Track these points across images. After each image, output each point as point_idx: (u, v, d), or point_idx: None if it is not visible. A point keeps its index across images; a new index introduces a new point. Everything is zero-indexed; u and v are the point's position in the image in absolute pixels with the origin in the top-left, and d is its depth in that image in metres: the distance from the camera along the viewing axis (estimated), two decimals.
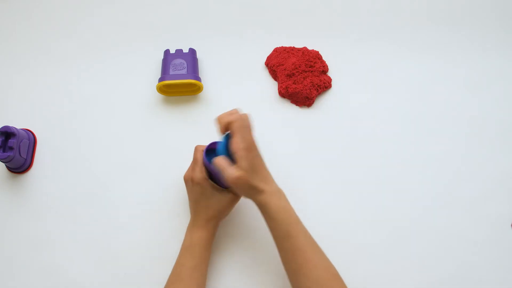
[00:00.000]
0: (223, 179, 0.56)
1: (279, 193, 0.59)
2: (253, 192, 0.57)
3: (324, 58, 0.78)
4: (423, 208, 0.69)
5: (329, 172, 0.71)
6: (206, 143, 0.71)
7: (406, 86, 0.76)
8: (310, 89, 0.74)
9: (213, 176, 0.63)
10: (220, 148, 0.57)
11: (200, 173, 0.61)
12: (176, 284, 0.60)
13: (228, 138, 0.57)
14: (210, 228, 0.62)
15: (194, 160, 0.63)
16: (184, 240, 0.63)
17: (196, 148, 0.64)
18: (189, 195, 0.64)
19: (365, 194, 0.70)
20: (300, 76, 0.74)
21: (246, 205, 0.69)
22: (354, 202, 0.69)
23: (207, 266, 0.62)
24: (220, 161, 0.56)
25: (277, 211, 0.56)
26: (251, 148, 0.56)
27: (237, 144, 0.54)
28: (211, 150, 0.63)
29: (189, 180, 0.62)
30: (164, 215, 0.70)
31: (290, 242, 0.56)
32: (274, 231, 0.57)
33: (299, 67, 0.75)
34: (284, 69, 0.76)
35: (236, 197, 0.62)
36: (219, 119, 0.57)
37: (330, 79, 0.77)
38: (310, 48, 0.79)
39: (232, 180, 0.54)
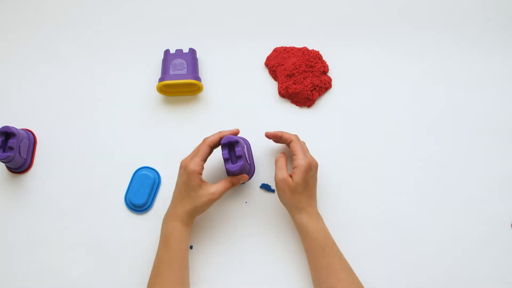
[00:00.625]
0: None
1: (319, 216, 0.63)
2: (295, 208, 0.61)
3: (324, 58, 0.78)
4: (423, 207, 0.69)
5: (330, 173, 0.71)
6: None
7: (406, 86, 0.76)
8: (311, 90, 0.74)
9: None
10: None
11: (194, 165, 0.61)
12: (156, 278, 0.60)
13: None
14: (185, 220, 0.61)
15: (196, 150, 0.63)
16: (160, 232, 0.63)
17: (204, 140, 0.63)
18: (177, 181, 0.64)
19: (365, 194, 0.70)
20: (300, 76, 0.74)
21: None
22: (354, 201, 0.69)
23: (186, 258, 0.62)
24: (281, 160, 0.62)
25: (315, 230, 0.60)
26: (311, 168, 0.61)
27: (298, 160, 0.60)
28: (228, 145, 0.62)
29: (182, 167, 0.62)
30: (164, 215, 0.68)
31: (325, 261, 0.59)
32: (309, 250, 0.61)
33: (299, 67, 0.75)
34: (284, 69, 0.75)
35: (213, 197, 0.61)
36: (284, 133, 0.64)
37: (331, 79, 0.77)
38: (310, 48, 0.79)
39: (278, 180, 0.60)
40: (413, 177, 0.71)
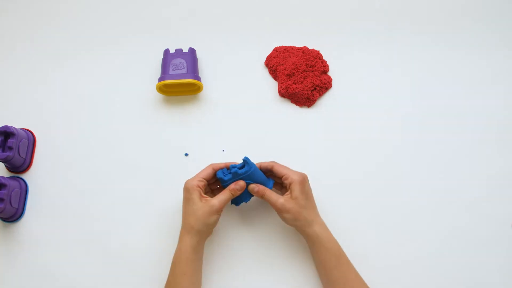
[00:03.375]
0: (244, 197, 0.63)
1: (325, 224, 0.62)
2: (305, 222, 0.60)
3: (324, 57, 0.78)
4: (424, 208, 0.68)
5: (330, 173, 0.70)
6: (206, 142, 0.73)
7: (408, 85, 0.76)
8: (311, 90, 0.74)
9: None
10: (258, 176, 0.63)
11: (193, 181, 0.61)
12: None
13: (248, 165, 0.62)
14: (194, 236, 0.60)
15: (199, 172, 0.64)
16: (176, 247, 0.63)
17: (210, 164, 0.64)
18: (182, 202, 0.64)
19: (365, 194, 0.69)
20: (301, 76, 0.74)
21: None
22: (355, 202, 0.69)
23: (197, 275, 0.61)
24: (262, 188, 0.62)
25: (328, 241, 0.60)
26: (305, 179, 0.61)
27: (291, 177, 0.61)
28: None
29: (184, 186, 0.63)
30: (164, 215, 0.69)
31: (340, 271, 0.59)
32: (324, 262, 0.60)
33: (299, 66, 0.74)
34: (284, 69, 0.75)
35: (213, 208, 0.60)
36: (261, 163, 0.64)
37: (331, 79, 0.77)
38: (310, 47, 0.78)
39: (279, 204, 0.60)
40: (415, 177, 0.70)
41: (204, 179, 0.62)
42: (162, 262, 0.65)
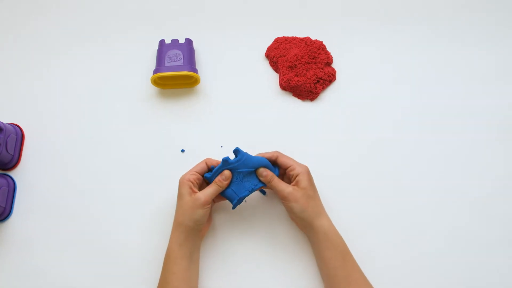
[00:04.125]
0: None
1: (330, 220, 0.62)
2: (314, 213, 0.59)
3: (328, 49, 0.77)
4: (432, 206, 0.67)
5: (333, 169, 0.69)
6: (203, 138, 0.72)
7: (415, 78, 0.75)
8: (314, 83, 0.72)
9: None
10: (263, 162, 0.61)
11: (185, 175, 0.61)
12: None
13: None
14: (181, 233, 0.59)
15: (195, 166, 0.63)
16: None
17: (204, 159, 0.63)
18: None
19: (370, 191, 0.68)
20: (303, 68, 0.73)
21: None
22: (358, 199, 0.68)
23: (189, 274, 0.59)
24: (270, 174, 0.61)
25: (336, 236, 0.60)
26: (309, 172, 0.61)
27: (297, 168, 0.60)
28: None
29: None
30: (158, 213, 0.68)
31: (345, 271, 0.58)
32: (329, 259, 0.59)
33: (302, 58, 0.73)
34: (286, 61, 0.74)
35: (198, 202, 0.58)
36: (264, 154, 0.63)
37: (335, 71, 0.75)
38: (313, 38, 0.77)
39: (286, 193, 0.59)
40: (421, 174, 0.69)
41: (197, 173, 0.61)
42: (157, 261, 0.64)
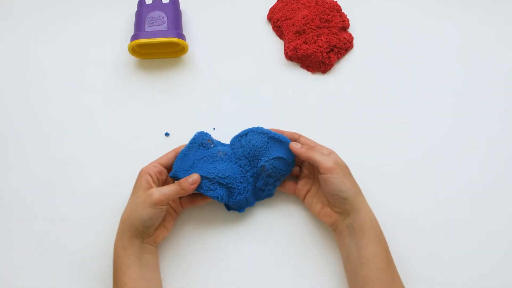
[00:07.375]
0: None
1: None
2: (354, 192, 0.54)
3: (344, 10, 0.72)
4: (468, 198, 0.62)
5: (351, 155, 0.62)
6: (191, 118, 0.68)
7: (448, 48, 0.70)
8: (327, 52, 0.68)
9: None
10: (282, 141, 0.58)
11: (146, 166, 0.57)
12: None
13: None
14: (124, 234, 0.54)
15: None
16: None
17: (174, 149, 0.59)
18: None
19: (392, 180, 0.63)
20: (313, 34, 0.68)
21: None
22: (382, 190, 0.62)
23: (143, 281, 0.54)
24: (304, 146, 0.58)
25: (380, 231, 0.54)
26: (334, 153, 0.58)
27: (323, 149, 0.57)
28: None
29: None
30: None
31: (389, 276, 0.51)
32: (371, 260, 0.51)
33: (312, 21, 0.69)
34: (292, 25, 0.70)
35: (149, 199, 0.53)
36: (284, 132, 0.60)
37: (352, 38, 0.71)
38: None
39: (328, 166, 0.54)
40: (455, 161, 0.64)
41: (161, 164, 0.57)
42: None
